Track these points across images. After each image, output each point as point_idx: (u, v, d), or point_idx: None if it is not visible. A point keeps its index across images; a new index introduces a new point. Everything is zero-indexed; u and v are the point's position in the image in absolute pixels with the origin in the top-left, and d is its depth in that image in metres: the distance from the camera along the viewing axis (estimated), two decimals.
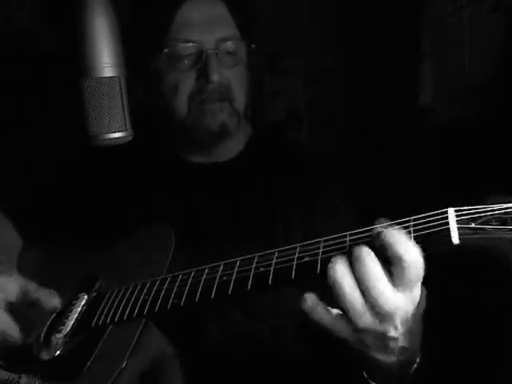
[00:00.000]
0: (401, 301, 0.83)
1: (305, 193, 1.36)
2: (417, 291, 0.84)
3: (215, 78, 1.28)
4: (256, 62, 1.41)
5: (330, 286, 0.84)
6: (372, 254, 0.82)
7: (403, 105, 2.26)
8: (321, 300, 0.87)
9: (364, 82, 2.40)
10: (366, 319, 0.83)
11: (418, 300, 0.85)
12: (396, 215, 0.88)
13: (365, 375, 0.97)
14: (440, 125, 2.09)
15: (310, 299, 0.87)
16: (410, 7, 2.18)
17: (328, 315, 0.86)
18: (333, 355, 1.14)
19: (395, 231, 0.82)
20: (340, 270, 0.83)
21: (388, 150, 2.33)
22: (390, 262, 0.82)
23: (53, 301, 1.09)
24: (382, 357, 0.90)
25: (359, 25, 2.41)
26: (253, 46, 1.38)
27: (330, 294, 0.84)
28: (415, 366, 0.97)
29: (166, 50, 1.30)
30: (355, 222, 1.37)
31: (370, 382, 0.97)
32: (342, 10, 2.46)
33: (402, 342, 0.88)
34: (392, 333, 0.85)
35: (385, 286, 0.82)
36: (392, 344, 0.87)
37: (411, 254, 0.80)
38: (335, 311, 0.87)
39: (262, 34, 1.48)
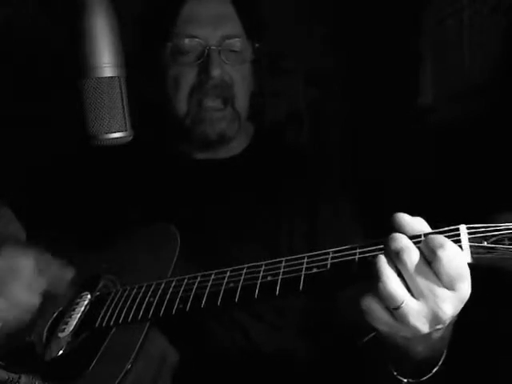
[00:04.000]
0: (446, 295, 0.79)
1: (306, 193, 1.36)
2: (463, 289, 0.79)
3: (216, 73, 1.29)
4: (258, 63, 1.41)
5: (374, 275, 0.80)
6: (412, 246, 0.80)
7: (403, 105, 2.26)
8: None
9: (364, 83, 2.39)
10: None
11: (465, 299, 0.81)
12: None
13: (393, 372, 0.97)
14: (440, 125, 2.09)
15: (368, 300, 0.82)
16: (409, 7, 2.18)
17: (387, 314, 0.82)
18: (341, 352, 1.14)
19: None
20: (383, 261, 0.80)
21: (388, 150, 2.32)
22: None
23: (68, 273, 1.09)
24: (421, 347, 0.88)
25: (359, 25, 2.41)
26: (257, 45, 1.38)
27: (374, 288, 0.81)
28: (440, 362, 0.96)
29: (169, 44, 1.30)
30: (356, 221, 1.37)
31: (398, 376, 0.97)
32: (342, 10, 2.46)
33: (442, 333, 0.86)
34: (440, 326, 0.82)
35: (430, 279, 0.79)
36: (434, 335, 0.85)
37: (446, 250, 0.77)
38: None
39: (263, 27, 1.49)
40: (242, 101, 1.36)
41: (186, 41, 1.30)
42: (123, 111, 1.02)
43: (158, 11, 1.35)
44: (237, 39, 1.32)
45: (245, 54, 1.35)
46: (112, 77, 1.00)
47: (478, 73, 1.94)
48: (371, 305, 0.81)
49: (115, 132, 1.01)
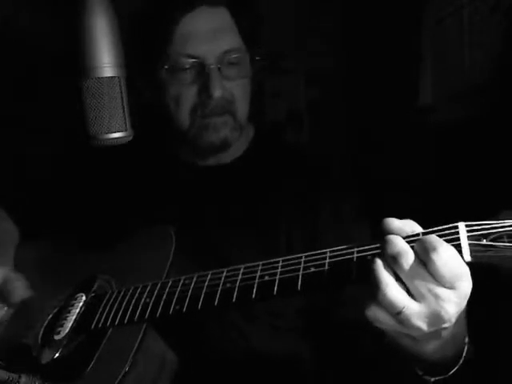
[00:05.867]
0: (447, 295, 0.78)
1: (306, 193, 1.36)
2: (463, 287, 0.79)
3: (217, 93, 1.26)
4: (257, 72, 1.40)
5: (372, 282, 0.80)
6: (409, 248, 0.79)
7: (403, 105, 2.26)
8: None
9: (364, 82, 2.40)
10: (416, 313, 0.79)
11: (468, 294, 0.80)
12: (397, 216, 0.87)
13: (418, 371, 0.95)
14: (440, 125, 2.09)
15: (373, 310, 0.81)
16: (410, 7, 2.19)
17: (390, 318, 0.81)
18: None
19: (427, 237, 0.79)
20: (380, 266, 0.80)
21: (388, 150, 2.33)
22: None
23: (20, 294, 1.12)
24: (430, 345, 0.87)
25: (359, 25, 2.41)
26: (257, 58, 1.35)
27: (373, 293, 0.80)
28: (463, 357, 0.94)
29: (166, 66, 1.28)
30: (358, 221, 1.37)
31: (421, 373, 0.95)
32: (342, 10, 2.46)
33: (451, 330, 0.85)
34: (446, 324, 0.81)
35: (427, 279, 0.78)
36: (443, 333, 0.84)
37: (439, 252, 0.77)
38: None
39: (262, 34, 1.48)
40: (242, 111, 1.34)
41: (184, 60, 1.27)
42: (123, 111, 1.01)
43: (152, 31, 1.30)
44: (236, 53, 1.29)
45: (244, 66, 1.32)
46: (112, 77, 1.00)
47: (477, 73, 1.94)
48: (376, 313, 0.81)
49: (115, 132, 1.01)
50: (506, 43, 1.81)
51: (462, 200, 1.77)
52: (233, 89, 1.31)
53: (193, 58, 1.27)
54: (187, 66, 1.27)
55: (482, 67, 1.92)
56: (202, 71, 1.27)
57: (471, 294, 0.80)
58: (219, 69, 1.27)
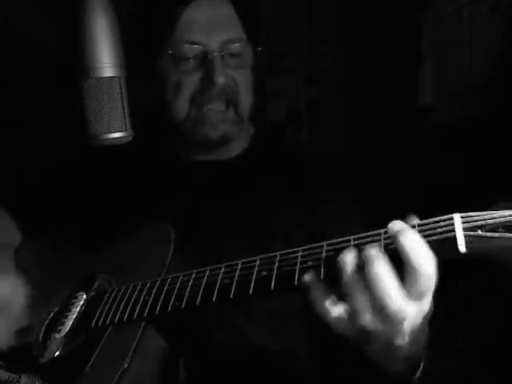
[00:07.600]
0: (410, 309, 0.81)
1: (305, 194, 1.36)
2: (426, 302, 0.82)
3: (220, 80, 1.27)
4: (259, 63, 1.40)
5: (337, 271, 0.83)
6: (384, 258, 0.81)
7: (403, 105, 2.26)
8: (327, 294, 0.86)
9: (364, 82, 2.40)
10: (369, 319, 0.82)
11: (426, 311, 0.83)
12: (396, 215, 0.87)
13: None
14: (440, 125, 2.10)
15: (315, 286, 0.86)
16: (410, 7, 2.19)
17: (332, 309, 0.85)
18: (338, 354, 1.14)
19: (414, 236, 0.80)
20: (349, 260, 0.83)
21: (388, 150, 2.33)
22: (402, 267, 0.80)
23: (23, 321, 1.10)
24: (385, 364, 0.89)
25: (359, 25, 2.41)
26: (259, 48, 1.37)
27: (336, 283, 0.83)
28: (420, 371, 0.95)
29: (170, 52, 1.29)
30: (357, 222, 1.37)
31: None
32: (342, 10, 2.46)
33: (407, 352, 0.87)
34: (399, 341, 0.83)
35: (394, 289, 0.80)
36: (398, 353, 0.86)
37: (427, 267, 0.78)
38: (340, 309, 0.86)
39: (263, 33, 1.48)
40: (245, 104, 1.35)
41: (186, 47, 1.28)
42: (123, 111, 1.01)
43: (155, 19, 1.32)
44: (238, 44, 1.30)
45: (246, 57, 1.34)
46: (112, 77, 1.00)
47: (477, 73, 1.95)
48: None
49: (115, 132, 1.01)
50: (506, 43, 1.82)
51: (461, 200, 1.76)
52: (236, 77, 1.31)
53: (195, 44, 1.28)
54: (190, 56, 1.28)
55: (481, 67, 1.93)
56: (204, 59, 1.28)
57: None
58: (222, 57, 1.28)
